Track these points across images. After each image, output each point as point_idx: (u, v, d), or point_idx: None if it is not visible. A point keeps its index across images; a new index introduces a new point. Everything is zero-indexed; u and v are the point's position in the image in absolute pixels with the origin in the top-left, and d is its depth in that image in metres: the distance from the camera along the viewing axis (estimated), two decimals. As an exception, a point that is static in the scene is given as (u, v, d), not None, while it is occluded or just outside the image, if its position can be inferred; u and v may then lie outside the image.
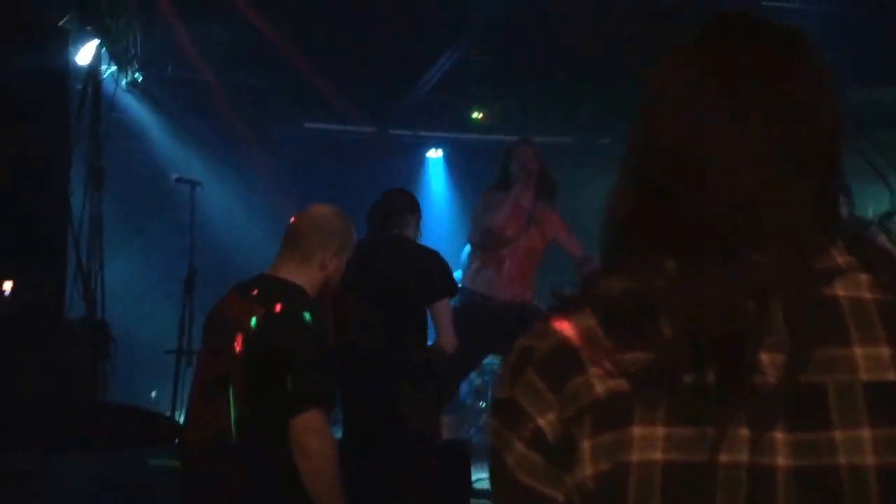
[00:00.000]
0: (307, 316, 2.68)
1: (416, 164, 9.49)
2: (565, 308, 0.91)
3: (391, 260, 4.01)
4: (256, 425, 2.67)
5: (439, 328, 4.03)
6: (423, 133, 8.92)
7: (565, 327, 0.88)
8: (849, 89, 6.45)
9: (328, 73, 6.98)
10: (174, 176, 6.70)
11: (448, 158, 9.42)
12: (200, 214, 6.40)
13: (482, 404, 7.43)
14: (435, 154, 9.46)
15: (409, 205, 4.27)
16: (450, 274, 4.22)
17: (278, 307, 2.68)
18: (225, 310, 2.82)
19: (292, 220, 2.90)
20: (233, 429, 2.66)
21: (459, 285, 5.94)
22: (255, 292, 2.75)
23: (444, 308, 4.03)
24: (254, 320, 2.66)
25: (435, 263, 4.10)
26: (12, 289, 4.44)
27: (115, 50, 5.58)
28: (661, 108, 0.93)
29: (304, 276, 2.77)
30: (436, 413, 4.24)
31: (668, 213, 0.88)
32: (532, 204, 5.60)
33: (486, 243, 5.69)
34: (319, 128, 8.52)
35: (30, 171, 4.61)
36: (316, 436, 2.60)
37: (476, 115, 8.34)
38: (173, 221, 6.78)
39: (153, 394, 7.47)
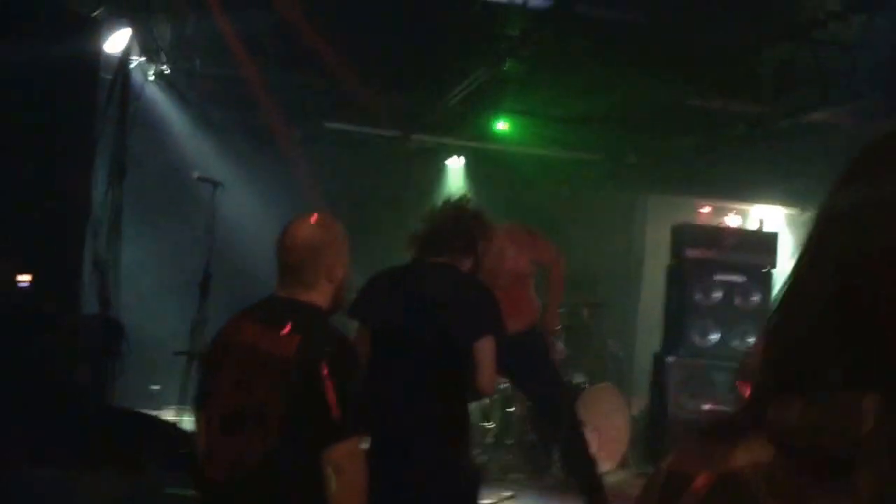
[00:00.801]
0: (341, 341, 2.68)
1: (436, 171, 9.40)
2: (732, 431, 0.79)
3: (436, 290, 3.74)
4: (290, 457, 2.59)
5: (482, 367, 3.63)
6: (446, 140, 8.82)
7: (736, 457, 0.78)
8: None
9: (359, 73, 6.85)
10: (195, 174, 6.49)
11: (469, 167, 9.34)
12: (219, 215, 6.26)
13: (489, 424, 7.34)
14: (455, 162, 9.37)
15: (472, 245, 3.90)
16: (499, 313, 3.82)
17: (312, 334, 2.62)
18: (241, 336, 2.71)
19: (284, 242, 2.79)
20: (263, 461, 2.58)
21: None
22: (278, 317, 2.67)
23: (489, 347, 3.67)
24: (290, 348, 2.58)
25: (486, 299, 3.79)
26: (31, 281, 4.35)
27: (145, 40, 5.48)
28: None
29: (319, 296, 2.74)
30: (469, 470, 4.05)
31: (874, 336, 0.73)
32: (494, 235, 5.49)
33: None
34: (340, 128, 8.40)
35: (53, 162, 4.53)
36: (353, 460, 2.61)
37: (500, 125, 8.24)
38: (191, 219, 6.59)
39: (156, 387, 7.38)
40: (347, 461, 2.58)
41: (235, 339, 2.73)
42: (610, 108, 7.28)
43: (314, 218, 2.88)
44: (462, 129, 8.52)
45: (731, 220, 9.42)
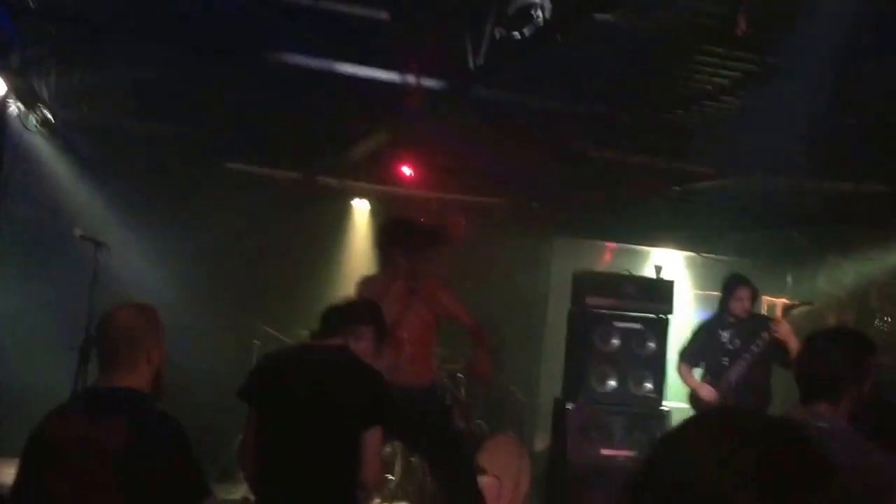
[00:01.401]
0: (167, 420, 2.80)
1: (342, 212, 9.36)
2: None
3: (333, 375, 3.73)
4: None
5: (368, 460, 3.64)
6: (351, 183, 8.80)
7: None
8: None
9: (255, 119, 6.77)
10: (78, 231, 6.21)
11: (374, 210, 9.33)
12: (104, 272, 6.07)
13: (391, 476, 7.29)
14: (362, 204, 9.35)
15: (367, 315, 4.00)
16: (391, 399, 3.81)
17: (138, 420, 2.73)
18: (65, 431, 2.73)
19: (102, 328, 2.95)
20: None
21: None
22: (103, 407, 2.76)
23: (377, 438, 3.68)
24: (119, 438, 2.65)
25: (376, 386, 3.77)
26: None
27: (23, 89, 5.32)
28: None
29: (140, 380, 2.86)
30: None
31: None
32: (411, 279, 5.54)
33: None
34: (242, 169, 8.29)
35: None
36: None
37: (405, 170, 8.25)
38: (77, 277, 6.30)
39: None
40: None
41: (55, 433, 2.74)
42: (511, 160, 7.36)
43: (130, 305, 3.02)
44: (366, 173, 8.51)
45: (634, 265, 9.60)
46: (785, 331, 6.39)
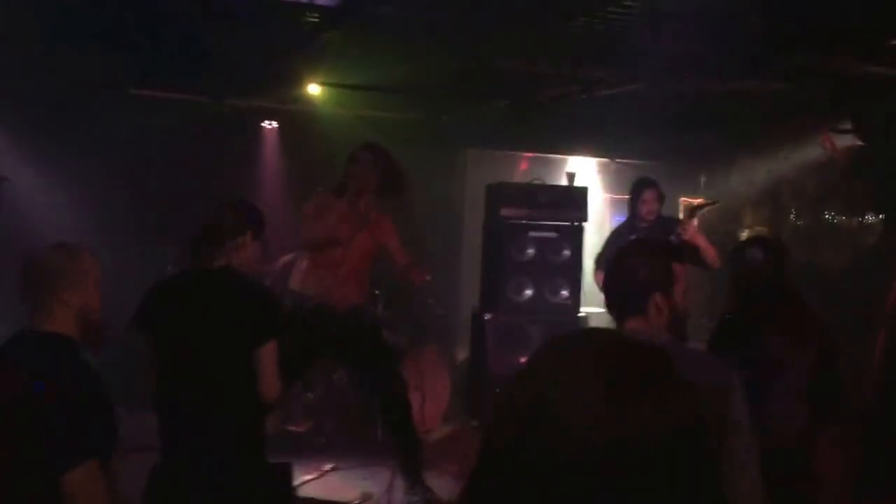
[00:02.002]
0: (75, 369, 2.72)
1: (253, 134, 9.18)
2: None
3: (214, 299, 3.75)
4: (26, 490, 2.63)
5: (264, 374, 3.69)
6: (259, 104, 8.61)
7: None
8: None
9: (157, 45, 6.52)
10: None
11: (283, 131, 9.17)
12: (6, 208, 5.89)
13: (311, 395, 7.35)
14: (269, 126, 9.19)
15: (240, 223, 3.90)
16: (277, 312, 3.88)
17: (42, 367, 2.66)
18: None
19: (22, 271, 2.86)
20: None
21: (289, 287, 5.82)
22: (11, 354, 2.73)
23: (270, 352, 3.71)
24: (16, 386, 2.61)
25: (262, 300, 3.82)
26: None
27: None
28: None
29: (59, 324, 2.79)
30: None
31: None
32: (367, 209, 5.57)
33: (316, 247, 5.61)
34: (147, 94, 8.04)
35: None
36: (86, 486, 2.63)
37: (312, 89, 8.09)
38: None
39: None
40: (79, 488, 2.61)
41: None
42: (419, 76, 7.26)
43: (55, 245, 2.92)
44: (275, 93, 8.34)
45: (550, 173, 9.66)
46: (691, 231, 6.47)
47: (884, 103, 7.17)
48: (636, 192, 6.87)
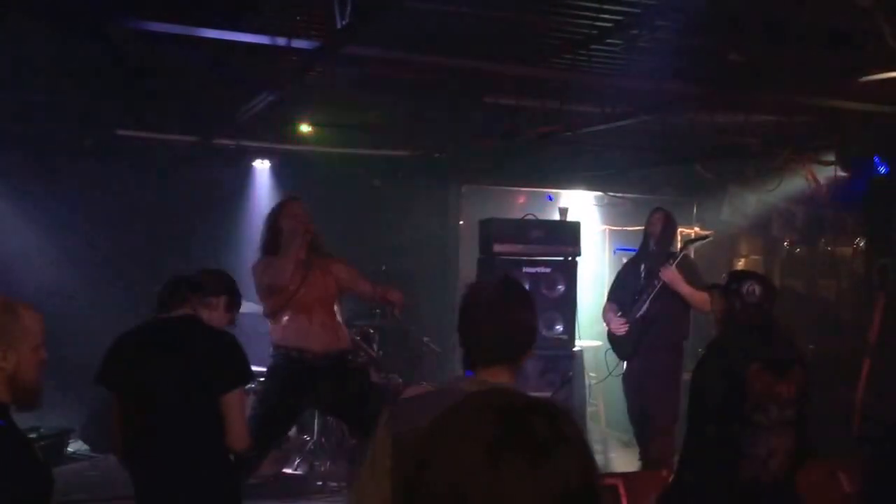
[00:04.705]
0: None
1: (243, 173, 9.19)
2: None
3: (175, 349, 3.72)
4: None
5: (231, 423, 3.66)
6: (248, 143, 8.61)
7: None
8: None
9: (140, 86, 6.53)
10: None
11: (275, 169, 9.18)
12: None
13: (307, 437, 7.31)
14: (261, 165, 9.20)
15: (217, 286, 4.00)
16: (244, 360, 3.83)
17: None
18: None
19: None
20: None
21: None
22: None
23: (237, 400, 3.70)
24: None
25: (228, 348, 3.77)
26: None
27: None
28: None
29: None
30: None
31: None
32: (309, 256, 5.63)
33: (276, 303, 5.61)
34: (135, 135, 8.04)
35: None
36: None
37: (304, 128, 8.10)
38: None
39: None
40: None
41: None
42: (407, 114, 7.29)
43: None
44: (265, 133, 8.34)
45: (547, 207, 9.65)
46: (670, 277, 6.56)
47: (864, 135, 7.24)
48: (649, 216, 7.08)
